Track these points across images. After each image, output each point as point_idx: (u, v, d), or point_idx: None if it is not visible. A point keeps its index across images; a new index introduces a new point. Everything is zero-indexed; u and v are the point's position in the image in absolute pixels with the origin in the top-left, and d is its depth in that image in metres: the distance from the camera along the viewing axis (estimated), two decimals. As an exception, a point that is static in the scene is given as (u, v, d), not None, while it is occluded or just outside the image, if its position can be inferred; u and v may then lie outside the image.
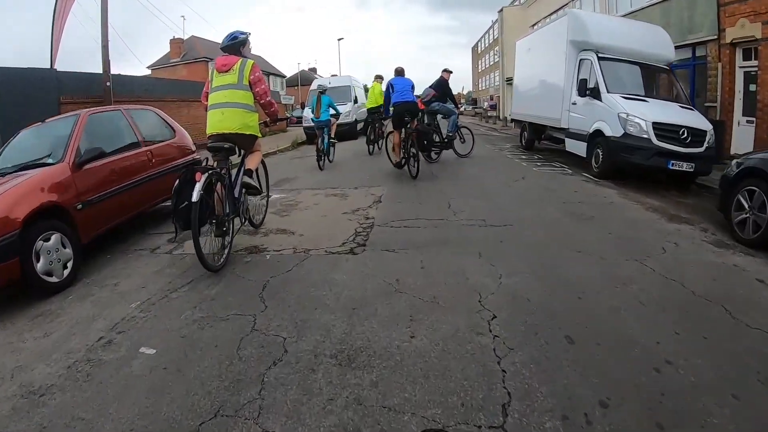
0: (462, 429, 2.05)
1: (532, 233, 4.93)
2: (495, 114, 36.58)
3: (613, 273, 3.85)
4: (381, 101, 11.33)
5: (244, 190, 4.81)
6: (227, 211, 4.41)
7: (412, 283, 3.66)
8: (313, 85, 19.68)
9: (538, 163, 10.46)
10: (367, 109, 13.94)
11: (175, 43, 41.61)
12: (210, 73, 4.66)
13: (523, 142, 13.97)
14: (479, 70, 61.97)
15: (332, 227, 5.41)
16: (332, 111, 11.13)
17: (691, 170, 7.72)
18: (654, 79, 9.28)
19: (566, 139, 10.04)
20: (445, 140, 10.68)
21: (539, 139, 13.37)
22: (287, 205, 6.72)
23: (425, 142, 9.26)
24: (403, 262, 4.15)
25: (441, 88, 10.55)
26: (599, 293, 3.47)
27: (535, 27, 28.94)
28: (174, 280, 4.06)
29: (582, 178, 8.47)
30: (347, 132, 17.60)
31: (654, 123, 7.73)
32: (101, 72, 12.69)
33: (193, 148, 7.38)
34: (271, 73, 48.89)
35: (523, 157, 11.86)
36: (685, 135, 7.73)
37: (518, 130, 15.26)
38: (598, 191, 7.28)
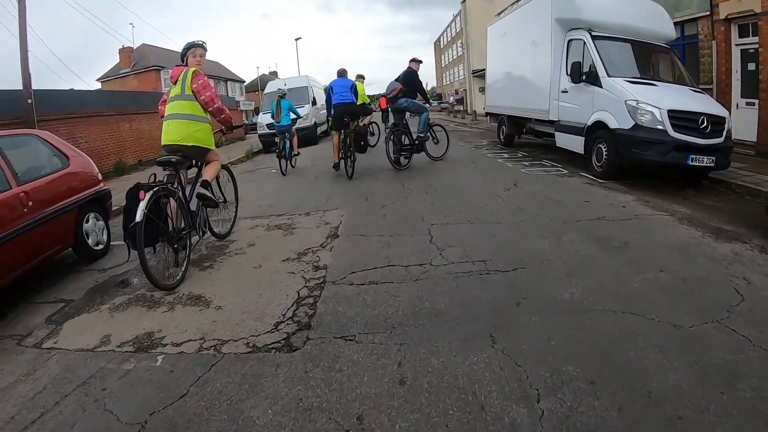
0: None
1: (559, 283, 3.39)
2: (462, 109, 35.23)
3: (703, 357, 2.45)
4: (365, 100, 11.86)
5: (200, 203, 4.61)
6: (182, 226, 4.32)
7: (388, 426, 1.99)
8: (268, 89, 18.45)
9: (526, 163, 8.98)
10: None
11: (125, 52, 39.30)
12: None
13: (502, 137, 12.53)
14: (443, 65, 60.82)
15: (266, 289, 3.74)
16: (293, 115, 10.89)
17: (712, 165, 6.49)
18: (655, 60, 7.90)
19: (557, 134, 8.62)
20: (416, 142, 9.01)
21: (519, 134, 12.03)
22: (215, 246, 4.98)
23: (362, 143, 9.27)
24: (370, 365, 2.56)
25: (409, 80, 8.95)
26: (705, 414, 2.02)
27: (503, 14, 27.59)
28: (19, 414, 2.44)
29: (585, 181, 7.03)
30: (307, 136, 16.15)
31: (669, 111, 6.40)
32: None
33: (99, 176, 5.65)
34: (229, 78, 46.80)
35: (506, 155, 10.38)
36: (705, 124, 6.44)
37: (494, 125, 13.75)
38: (612, 199, 5.82)
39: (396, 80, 9.16)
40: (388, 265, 3.97)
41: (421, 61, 9.22)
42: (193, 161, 4.73)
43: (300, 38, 57.69)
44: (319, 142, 17.54)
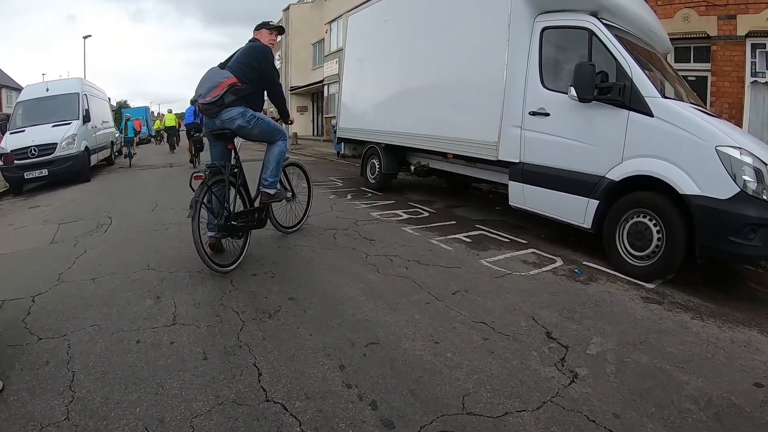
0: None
1: None
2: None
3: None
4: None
5: None
6: None
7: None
8: (23, 95, 12.88)
9: (462, 239, 5.45)
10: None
11: None
12: None
13: (371, 178, 8.68)
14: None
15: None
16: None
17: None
18: (671, 78, 5.01)
19: (514, 185, 5.41)
20: (257, 206, 4.73)
21: (398, 171, 8.60)
22: None
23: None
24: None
25: (254, 67, 4.48)
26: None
27: (335, 22, 24.54)
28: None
29: (631, 293, 3.90)
30: (69, 170, 11.21)
31: None
32: None
33: None
34: (3, 85, 36.06)
35: (403, 216, 6.74)
36: None
37: (326, 151, 9.94)
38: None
39: (221, 66, 4.55)
40: None
41: (279, 30, 4.92)
42: None
43: (90, 36, 46.63)
44: (92, 179, 11.85)
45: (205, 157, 8.78)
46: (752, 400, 2.40)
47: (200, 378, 2.49)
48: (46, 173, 10.65)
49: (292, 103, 31.74)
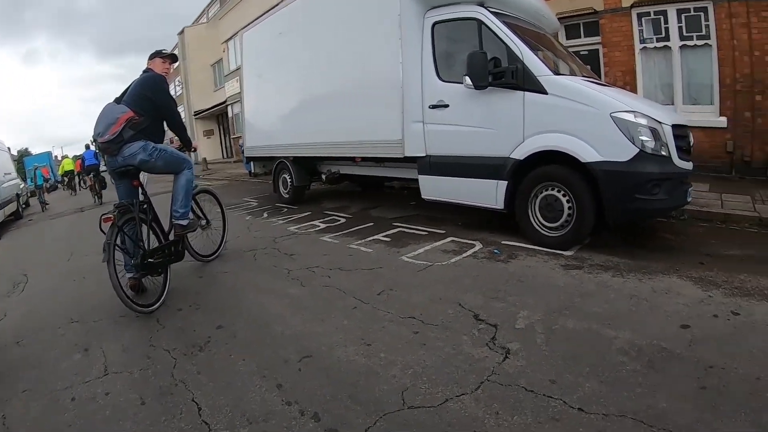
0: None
1: None
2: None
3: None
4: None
5: None
6: None
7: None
8: None
9: (381, 239, 5.41)
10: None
11: None
12: None
13: (284, 192, 8.45)
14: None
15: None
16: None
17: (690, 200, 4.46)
18: (561, 57, 5.31)
19: (424, 179, 5.44)
20: (171, 241, 4.35)
21: (310, 183, 8.47)
22: None
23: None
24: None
25: (150, 98, 4.13)
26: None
27: (232, 41, 23.85)
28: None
29: (551, 263, 3.97)
30: None
31: (674, 127, 4.04)
32: None
33: None
34: None
35: (320, 225, 6.53)
36: (690, 141, 4.47)
37: (238, 172, 9.57)
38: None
39: (117, 101, 4.14)
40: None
41: (172, 57, 4.54)
42: None
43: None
44: (3, 235, 10.53)
45: (111, 195, 8.10)
46: (681, 341, 2.48)
47: (141, 424, 2.29)
48: (-50, 237, 9.41)
49: (198, 128, 30.53)
